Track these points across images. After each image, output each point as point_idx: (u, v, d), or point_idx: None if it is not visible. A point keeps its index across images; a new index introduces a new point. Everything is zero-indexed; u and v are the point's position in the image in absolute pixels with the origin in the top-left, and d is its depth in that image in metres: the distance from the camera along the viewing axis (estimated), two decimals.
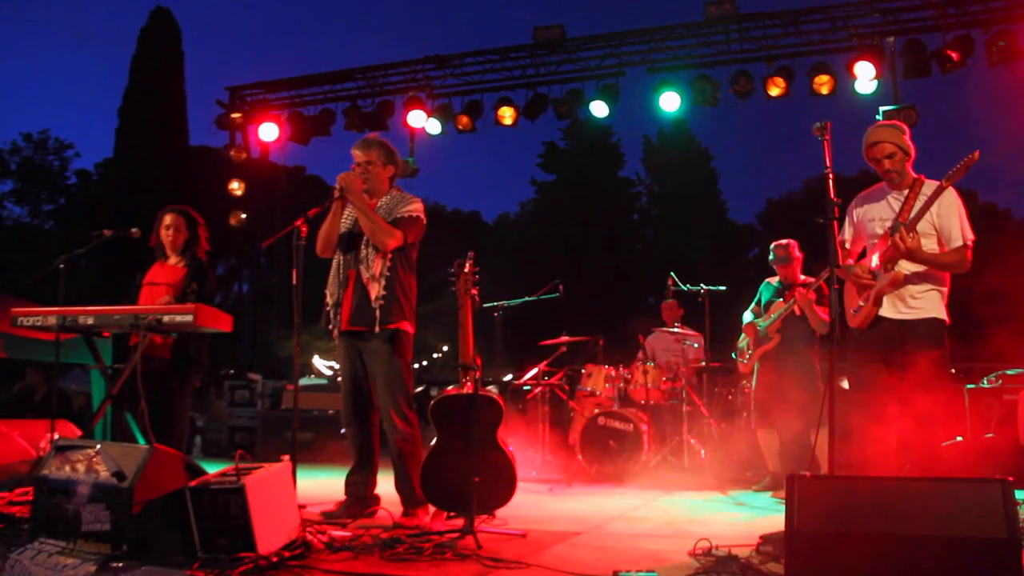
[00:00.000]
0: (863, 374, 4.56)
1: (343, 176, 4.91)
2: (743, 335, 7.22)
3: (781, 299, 6.91)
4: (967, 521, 2.85)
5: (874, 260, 4.55)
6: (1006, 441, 6.97)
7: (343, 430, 5.43)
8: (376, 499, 5.10)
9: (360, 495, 5.00)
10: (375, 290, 4.87)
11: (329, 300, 5.08)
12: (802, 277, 7.01)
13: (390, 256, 4.95)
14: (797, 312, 6.69)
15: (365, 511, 4.94)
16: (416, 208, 5.05)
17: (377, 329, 4.85)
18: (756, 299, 7.28)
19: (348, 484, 5.06)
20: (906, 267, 4.44)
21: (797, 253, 7.02)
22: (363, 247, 4.97)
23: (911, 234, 4.32)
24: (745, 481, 7.42)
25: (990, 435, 7.36)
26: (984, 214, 31.54)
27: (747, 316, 7.26)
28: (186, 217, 5.93)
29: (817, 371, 6.73)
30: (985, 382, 8.11)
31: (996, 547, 2.80)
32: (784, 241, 7.05)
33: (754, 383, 7.07)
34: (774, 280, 7.18)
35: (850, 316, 4.63)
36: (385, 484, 5.10)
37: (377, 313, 4.84)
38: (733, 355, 7.44)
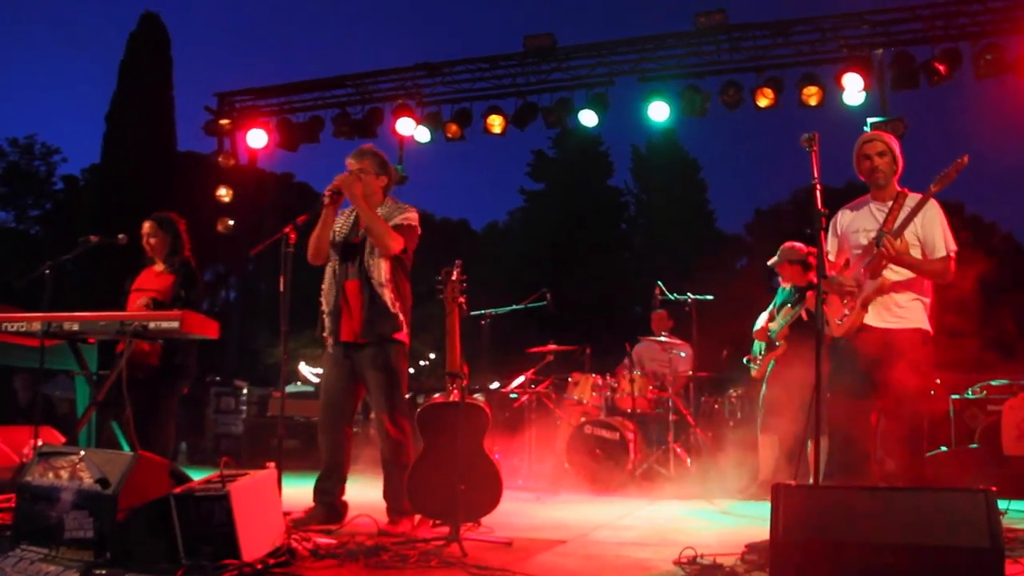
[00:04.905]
0: (847, 383, 4.58)
1: (341, 178, 4.86)
2: (757, 340, 7.24)
3: (790, 304, 6.89)
4: (951, 531, 2.87)
5: (858, 271, 4.58)
6: (990, 451, 7.01)
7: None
8: (344, 506, 5.05)
9: (330, 503, 4.96)
10: (389, 297, 4.84)
11: (324, 308, 5.03)
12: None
13: (390, 265, 4.92)
14: (805, 318, 6.65)
15: (334, 520, 4.88)
16: (412, 216, 5.03)
17: (375, 338, 4.82)
18: (772, 303, 7.29)
19: (317, 492, 5.01)
20: (891, 276, 4.48)
21: (795, 258, 7.00)
22: (367, 256, 4.91)
23: (897, 239, 4.36)
24: (731, 489, 7.42)
25: (974, 445, 7.39)
26: (969, 226, 31.70)
27: (761, 320, 7.26)
28: (159, 223, 5.90)
29: (824, 378, 6.71)
30: (970, 393, 8.14)
31: (979, 556, 2.82)
32: (793, 245, 7.08)
33: (763, 388, 7.07)
34: (787, 284, 7.19)
35: (835, 326, 4.66)
36: (373, 492, 5.08)
37: (386, 323, 4.82)
38: (745, 361, 7.44)
